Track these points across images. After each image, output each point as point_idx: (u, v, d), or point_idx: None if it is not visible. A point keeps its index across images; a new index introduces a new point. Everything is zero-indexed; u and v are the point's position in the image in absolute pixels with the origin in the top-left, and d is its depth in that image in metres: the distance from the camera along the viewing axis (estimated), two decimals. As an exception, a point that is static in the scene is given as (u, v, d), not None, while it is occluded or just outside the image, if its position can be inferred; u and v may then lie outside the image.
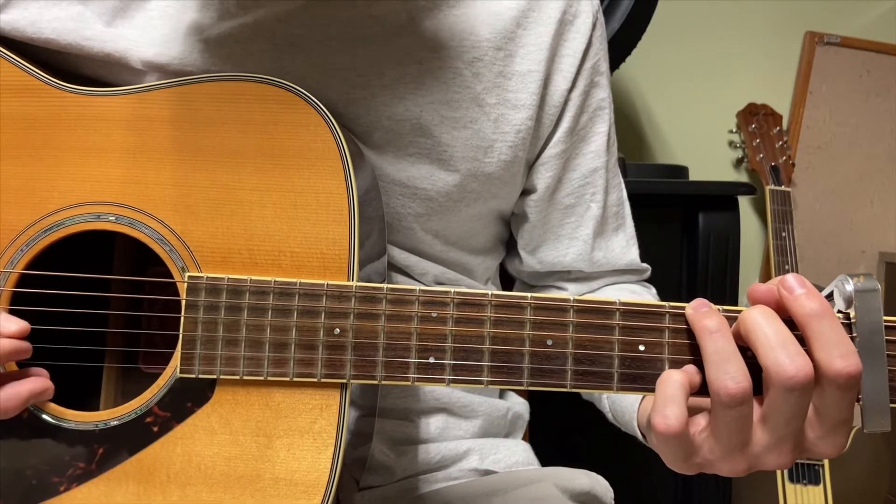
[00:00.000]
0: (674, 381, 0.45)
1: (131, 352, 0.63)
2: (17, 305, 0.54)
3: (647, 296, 0.76)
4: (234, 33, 0.59)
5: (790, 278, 0.44)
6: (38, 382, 0.51)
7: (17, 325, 0.50)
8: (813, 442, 0.45)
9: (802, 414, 0.44)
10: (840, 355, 0.42)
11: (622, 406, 0.63)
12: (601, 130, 0.70)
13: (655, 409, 0.45)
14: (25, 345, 0.51)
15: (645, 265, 0.77)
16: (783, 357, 0.42)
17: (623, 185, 0.76)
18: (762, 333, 0.43)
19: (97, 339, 0.61)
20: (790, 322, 0.44)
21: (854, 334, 0.45)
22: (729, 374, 0.43)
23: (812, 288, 0.44)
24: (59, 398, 0.53)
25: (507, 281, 0.84)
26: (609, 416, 0.68)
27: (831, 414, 0.44)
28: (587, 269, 0.73)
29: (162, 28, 0.60)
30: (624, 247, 0.75)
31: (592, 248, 0.72)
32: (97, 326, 0.58)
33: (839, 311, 0.46)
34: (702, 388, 0.46)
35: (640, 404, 0.60)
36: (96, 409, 0.59)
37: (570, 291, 0.75)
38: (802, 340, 0.44)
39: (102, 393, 0.62)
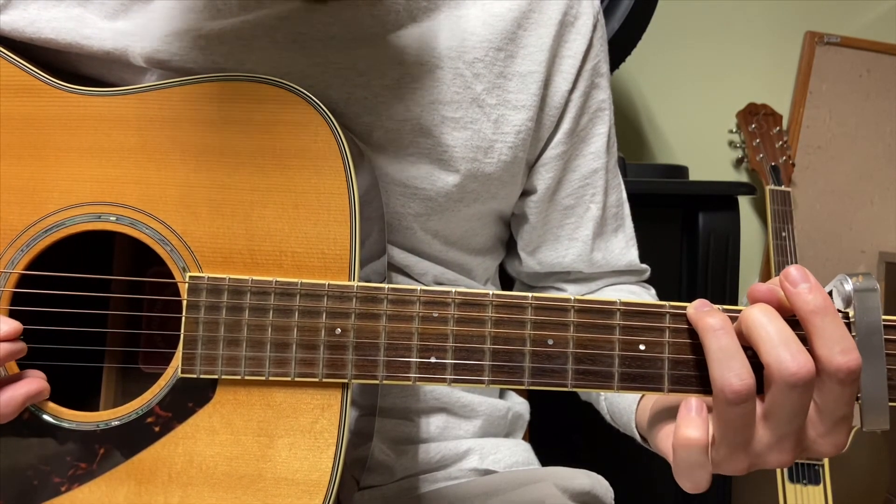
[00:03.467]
0: (694, 448, 0.45)
1: (131, 352, 0.63)
2: (17, 306, 0.54)
3: (646, 297, 0.76)
4: (235, 30, 0.60)
5: (793, 271, 0.44)
6: (34, 384, 0.51)
7: (10, 325, 0.50)
8: (814, 440, 0.45)
9: (804, 411, 0.44)
10: (841, 351, 0.42)
11: (620, 407, 0.63)
12: (601, 132, 0.71)
13: (682, 476, 0.46)
14: (20, 345, 0.51)
15: (644, 266, 0.77)
16: (785, 354, 0.42)
17: (622, 186, 0.76)
18: (764, 331, 0.43)
19: (97, 340, 0.61)
20: (790, 321, 0.44)
21: (853, 333, 0.45)
22: (734, 372, 0.43)
23: (815, 282, 0.44)
24: (59, 398, 0.53)
25: (506, 282, 0.84)
26: (607, 417, 0.68)
27: (832, 410, 0.44)
28: (586, 269, 0.73)
29: (163, 25, 0.60)
30: (623, 248, 0.75)
31: (592, 248, 0.72)
32: (97, 326, 0.58)
33: (838, 311, 0.46)
34: (705, 388, 0.47)
35: (637, 406, 0.60)
36: (96, 408, 0.59)
37: (570, 293, 0.75)
38: (802, 339, 0.44)
39: (102, 393, 0.62)
